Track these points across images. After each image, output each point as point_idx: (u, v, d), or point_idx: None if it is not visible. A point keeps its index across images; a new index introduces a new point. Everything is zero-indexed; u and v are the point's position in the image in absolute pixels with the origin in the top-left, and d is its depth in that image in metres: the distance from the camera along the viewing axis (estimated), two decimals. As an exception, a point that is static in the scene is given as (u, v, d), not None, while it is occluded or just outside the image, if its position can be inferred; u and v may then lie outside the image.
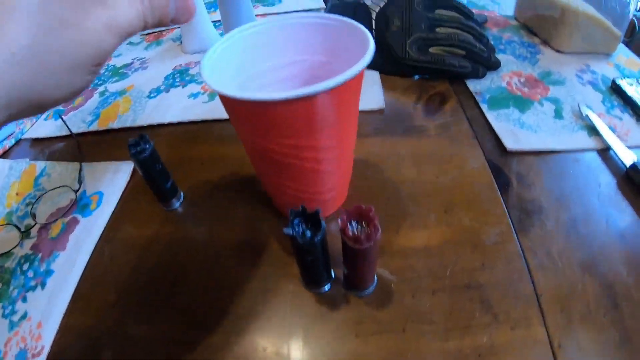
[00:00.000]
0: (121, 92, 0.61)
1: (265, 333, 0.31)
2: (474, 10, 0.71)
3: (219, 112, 0.52)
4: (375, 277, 0.33)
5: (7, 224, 0.43)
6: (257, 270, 0.35)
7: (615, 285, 0.32)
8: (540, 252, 0.35)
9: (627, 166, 0.41)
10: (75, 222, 0.42)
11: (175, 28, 0.80)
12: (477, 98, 0.51)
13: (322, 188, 0.33)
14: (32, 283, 0.37)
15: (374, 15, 0.58)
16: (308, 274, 0.32)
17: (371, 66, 0.55)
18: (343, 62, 0.32)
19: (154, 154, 0.37)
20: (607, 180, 0.41)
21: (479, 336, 0.29)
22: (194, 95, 0.56)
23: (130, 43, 0.77)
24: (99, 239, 0.40)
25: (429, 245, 0.35)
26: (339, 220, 0.26)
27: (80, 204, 0.44)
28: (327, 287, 0.33)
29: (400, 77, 0.56)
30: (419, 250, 0.35)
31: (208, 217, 0.40)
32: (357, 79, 0.27)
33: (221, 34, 0.70)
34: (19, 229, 0.42)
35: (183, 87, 0.59)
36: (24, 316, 0.35)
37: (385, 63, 0.54)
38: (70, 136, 0.55)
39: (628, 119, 0.48)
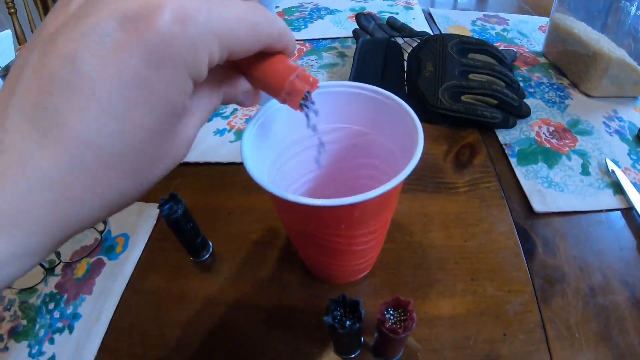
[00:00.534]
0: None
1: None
2: (503, 45, 0.75)
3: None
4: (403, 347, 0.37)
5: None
6: (287, 334, 0.39)
7: (626, 357, 0.36)
8: (560, 322, 0.39)
9: (648, 228, 0.45)
10: (101, 264, 0.46)
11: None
12: (506, 151, 0.55)
13: (357, 262, 0.38)
14: (59, 324, 0.41)
15: (405, 55, 0.62)
16: (340, 346, 0.36)
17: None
18: (383, 135, 0.36)
19: (186, 213, 0.40)
20: (628, 243, 0.45)
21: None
22: (220, 132, 0.60)
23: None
24: (126, 288, 0.43)
25: (455, 314, 0.39)
26: (378, 313, 0.30)
27: (106, 245, 0.47)
28: (356, 354, 0.37)
29: (429, 124, 0.59)
30: (444, 319, 0.39)
31: (237, 276, 0.44)
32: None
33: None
34: (43, 266, 0.45)
35: (208, 121, 0.62)
36: (52, 358, 0.38)
37: (415, 109, 0.57)
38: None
39: (652, 173, 0.52)
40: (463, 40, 0.60)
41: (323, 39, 0.81)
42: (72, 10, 0.17)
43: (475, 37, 0.73)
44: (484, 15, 0.89)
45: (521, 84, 0.62)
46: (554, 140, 0.56)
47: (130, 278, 0.44)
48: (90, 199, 0.17)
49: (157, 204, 0.39)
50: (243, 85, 0.24)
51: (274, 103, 0.35)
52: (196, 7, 0.17)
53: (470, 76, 0.57)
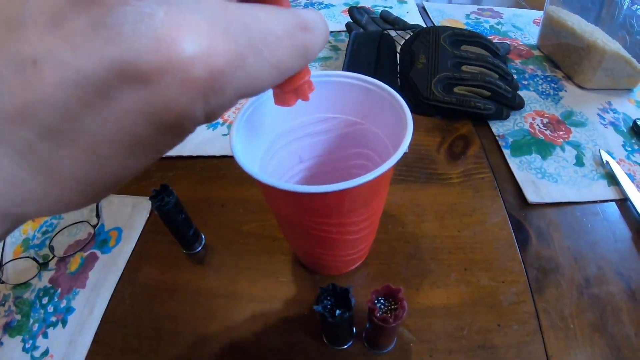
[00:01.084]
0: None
1: (288, 388, 0.35)
2: (497, 38, 0.75)
3: (239, 146, 0.55)
4: (396, 336, 0.37)
5: (26, 256, 0.46)
6: (279, 324, 0.39)
7: (622, 348, 0.36)
8: (554, 313, 0.38)
9: (643, 219, 0.44)
10: (94, 258, 0.45)
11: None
12: (500, 142, 0.55)
13: (349, 251, 0.37)
14: (53, 319, 0.40)
15: (398, 48, 0.61)
16: (332, 335, 0.36)
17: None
18: (375, 125, 0.36)
19: (178, 204, 0.40)
20: (623, 234, 0.45)
21: (492, 400, 0.34)
22: (213, 126, 0.59)
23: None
24: (119, 281, 0.43)
25: (448, 304, 0.39)
26: (369, 302, 0.30)
27: (99, 240, 0.47)
28: (348, 344, 0.37)
29: (422, 116, 0.59)
30: (438, 310, 0.39)
31: (229, 267, 0.43)
32: (391, 167, 0.31)
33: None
34: (37, 261, 0.45)
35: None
36: (45, 352, 0.38)
37: (408, 101, 0.57)
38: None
39: (647, 165, 0.51)
40: (456, 32, 0.60)
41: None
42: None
43: (468, 29, 0.73)
44: (478, 9, 0.88)
45: (515, 76, 0.61)
46: (547, 132, 0.56)
47: (123, 271, 0.44)
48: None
49: (149, 196, 0.39)
50: None
51: (264, 93, 0.34)
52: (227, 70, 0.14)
53: (463, 68, 0.57)
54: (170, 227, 0.42)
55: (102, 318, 0.40)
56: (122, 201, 0.51)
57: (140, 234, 0.47)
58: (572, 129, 0.57)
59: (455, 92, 0.56)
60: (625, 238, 0.44)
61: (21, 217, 0.14)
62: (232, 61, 0.13)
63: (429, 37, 0.58)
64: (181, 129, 0.14)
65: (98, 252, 0.46)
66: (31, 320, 0.41)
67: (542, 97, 0.62)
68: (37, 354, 0.38)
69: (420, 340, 0.37)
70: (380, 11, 0.75)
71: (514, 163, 0.52)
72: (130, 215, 0.49)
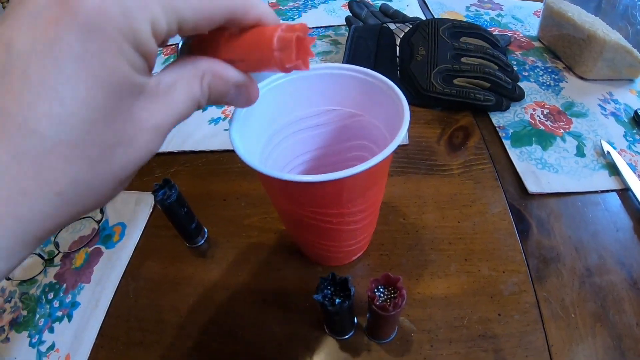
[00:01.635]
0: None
1: (289, 378, 0.35)
2: (497, 30, 0.74)
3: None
4: (397, 326, 0.37)
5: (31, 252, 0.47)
6: (281, 315, 0.39)
7: (624, 337, 0.36)
8: (555, 302, 0.38)
9: (645, 209, 0.44)
10: (99, 253, 0.46)
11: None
12: (500, 133, 0.54)
13: (350, 242, 0.37)
14: (59, 313, 0.41)
15: (397, 41, 0.61)
16: (333, 325, 0.36)
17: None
18: (374, 116, 0.36)
19: (180, 198, 0.40)
20: (624, 224, 0.44)
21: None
22: (215, 121, 0.59)
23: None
24: (123, 275, 0.43)
25: (449, 294, 0.39)
26: (368, 291, 0.30)
27: (103, 235, 0.48)
28: (350, 334, 0.37)
29: (422, 108, 0.59)
30: (438, 300, 0.39)
31: (231, 260, 0.44)
32: (389, 156, 0.31)
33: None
34: (42, 257, 0.45)
35: (203, 110, 0.62)
36: (51, 347, 0.39)
37: (408, 94, 0.57)
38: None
39: (649, 155, 0.51)
40: (455, 24, 0.59)
41: (317, 27, 0.80)
42: None
43: (468, 21, 0.72)
44: (479, 1, 0.88)
45: (515, 68, 0.61)
46: (548, 123, 0.56)
47: (127, 265, 0.44)
48: (42, 190, 0.15)
49: (152, 191, 0.39)
50: (232, 75, 0.21)
51: (263, 86, 0.34)
52: None
53: (463, 60, 0.57)
54: (173, 220, 0.42)
55: (106, 312, 0.40)
56: (125, 197, 0.51)
57: (144, 229, 0.48)
58: (573, 119, 0.56)
59: (455, 83, 0.56)
60: (627, 228, 0.44)
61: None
62: None
63: (428, 29, 0.58)
64: (104, 30, 0.15)
65: (102, 247, 0.46)
66: (37, 316, 0.41)
67: (543, 88, 0.62)
68: (43, 348, 0.39)
69: (421, 330, 0.37)
70: (379, 5, 0.75)
71: (514, 154, 0.51)
72: (133, 210, 0.50)
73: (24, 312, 0.42)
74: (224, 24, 0.20)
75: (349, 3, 0.73)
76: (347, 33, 0.66)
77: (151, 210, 0.49)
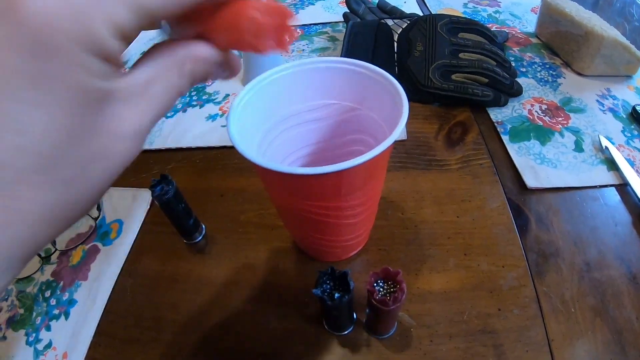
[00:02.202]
0: (137, 109, 0.64)
1: (288, 374, 0.35)
2: (495, 26, 0.74)
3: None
4: (396, 321, 0.37)
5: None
6: (279, 311, 0.39)
7: (624, 331, 0.36)
8: (555, 297, 0.38)
9: (643, 203, 0.44)
10: (95, 250, 0.45)
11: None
12: (498, 129, 0.54)
13: (348, 237, 0.37)
14: (56, 311, 0.40)
15: (395, 37, 0.61)
16: (332, 321, 0.36)
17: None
18: (372, 110, 0.35)
19: (177, 194, 0.40)
20: (623, 219, 0.44)
21: (493, 382, 0.33)
22: (212, 118, 0.59)
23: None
24: (120, 272, 0.43)
25: (448, 289, 0.39)
26: (368, 285, 0.29)
27: (100, 232, 0.47)
28: (349, 330, 0.37)
29: (420, 103, 0.59)
30: (437, 295, 0.38)
31: (229, 256, 0.43)
32: (388, 148, 0.30)
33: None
34: (39, 254, 0.45)
35: (200, 107, 0.62)
36: (48, 345, 0.38)
37: (406, 89, 0.57)
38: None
39: (647, 150, 0.51)
40: (453, 19, 0.59)
41: (314, 24, 0.80)
42: None
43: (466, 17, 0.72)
44: (476, -3, 0.88)
45: (513, 63, 0.61)
46: (546, 118, 0.55)
47: (124, 262, 0.44)
48: (15, 220, 0.14)
49: (149, 186, 0.39)
50: (211, 54, 0.20)
51: (260, 80, 0.34)
52: None
53: (461, 55, 0.56)
54: (170, 216, 0.42)
55: (104, 309, 0.40)
56: (122, 193, 0.51)
57: (141, 226, 0.47)
58: (571, 115, 0.56)
59: (453, 79, 0.56)
60: (626, 222, 0.44)
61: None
62: None
63: (426, 25, 0.58)
64: (55, 41, 0.13)
65: (99, 245, 0.46)
66: (34, 314, 0.41)
67: (541, 84, 0.61)
68: (40, 346, 0.38)
69: (420, 325, 0.37)
70: (377, 1, 0.75)
71: (512, 149, 0.51)
72: (130, 207, 0.49)
73: (21, 311, 0.41)
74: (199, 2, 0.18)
75: (346, -1, 0.73)
76: (344, 29, 0.66)
77: (148, 206, 0.49)
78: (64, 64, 0.14)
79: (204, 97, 0.64)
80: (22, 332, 0.40)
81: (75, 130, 0.15)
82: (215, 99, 0.63)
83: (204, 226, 0.46)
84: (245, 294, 0.40)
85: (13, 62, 0.13)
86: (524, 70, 0.64)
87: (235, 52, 0.22)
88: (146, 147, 0.57)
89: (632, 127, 0.55)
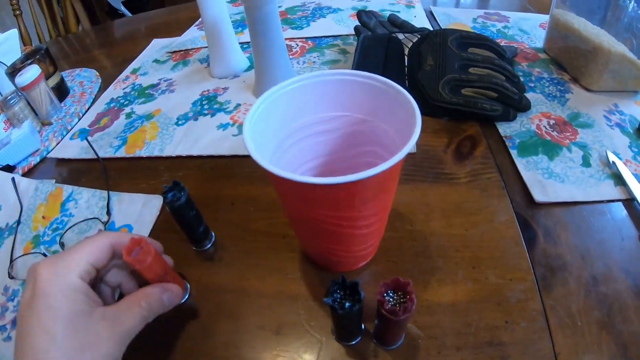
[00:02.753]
0: (148, 117, 0.65)
1: (296, 383, 0.35)
2: (504, 41, 0.75)
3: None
4: (404, 332, 0.37)
5: (36, 252, 0.47)
6: (287, 320, 0.39)
7: (630, 345, 0.36)
8: (562, 310, 0.39)
9: (650, 218, 0.45)
10: (104, 254, 0.46)
11: (202, 48, 0.84)
12: (507, 143, 0.55)
13: (359, 247, 0.38)
14: None
15: (406, 50, 0.62)
16: (341, 330, 0.36)
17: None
18: (385, 122, 0.36)
19: (189, 201, 0.41)
20: (630, 233, 0.45)
21: (499, 395, 0.34)
22: (223, 127, 0.60)
23: (156, 61, 0.81)
24: None
25: (456, 301, 0.39)
26: (378, 295, 0.30)
27: (110, 237, 0.48)
28: (357, 340, 0.37)
29: (430, 117, 0.60)
30: (445, 307, 0.39)
31: (239, 264, 0.44)
32: (401, 161, 0.31)
33: (249, 58, 0.74)
34: (46, 256, 0.46)
35: (212, 116, 0.63)
36: None
37: (417, 103, 0.57)
38: (97, 160, 0.59)
39: (654, 165, 0.51)
40: (463, 34, 0.60)
41: (325, 36, 0.82)
42: None
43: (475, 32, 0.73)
44: (485, 12, 0.89)
45: (521, 78, 0.62)
46: (554, 133, 0.56)
47: (133, 269, 0.44)
48: None
49: (161, 192, 0.40)
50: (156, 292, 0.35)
51: (274, 91, 0.35)
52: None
53: (470, 70, 0.57)
54: (181, 223, 0.42)
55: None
56: (132, 199, 0.52)
57: (151, 231, 0.48)
58: (579, 130, 0.57)
59: (463, 93, 0.57)
60: (632, 237, 0.44)
61: None
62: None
63: (437, 39, 0.59)
64: None
65: (109, 250, 0.46)
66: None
67: (549, 99, 0.62)
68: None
69: (428, 337, 0.37)
70: (388, 15, 0.76)
71: (520, 163, 0.52)
72: (140, 212, 0.50)
73: (27, 312, 0.42)
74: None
75: (357, 13, 0.75)
76: (355, 42, 0.67)
77: (158, 212, 0.50)
78: (61, 299, 0.29)
79: (215, 107, 0.65)
80: (27, 332, 0.40)
81: (73, 328, 0.29)
82: (226, 109, 0.64)
83: (213, 234, 0.46)
84: (253, 302, 0.41)
85: (36, 303, 0.29)
86: (532, 85, 0.65)
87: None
88: (157, 153, 0.58)
89: (639, 142, 0.55)
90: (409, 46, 0.63)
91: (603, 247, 0.43)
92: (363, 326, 0.37)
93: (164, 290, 0.35)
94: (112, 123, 0.66)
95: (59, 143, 0.64)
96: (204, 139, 0.58)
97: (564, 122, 0.58)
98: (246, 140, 0.30)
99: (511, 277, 0.41)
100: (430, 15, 0.89)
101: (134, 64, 0.85)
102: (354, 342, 0.37)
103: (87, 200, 0.53)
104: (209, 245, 0.46)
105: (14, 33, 0.79)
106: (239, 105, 0.64)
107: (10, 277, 0.45)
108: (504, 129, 0.57)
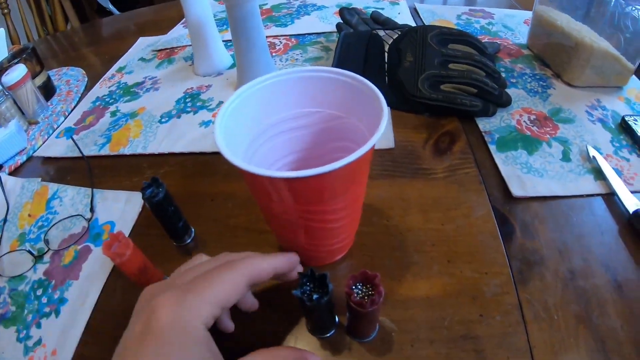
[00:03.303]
0: (132, 115, 0.65)
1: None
2: (487, 38, 0.75)
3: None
4: (377, 325, 0.37)
5: (22, 249, 0.47)
6: (264, 314, 0.39)
7: (607, 340, 0.36)
8: (538, 304, 0.38)
9: (630, 213, 0.44)
10: (87, 251, 0.46)
11: (187, 46, 0.84)
12: (486, 138, 0.55)
13: (332, 241, 0.37)
14: (47, 309, 0.41)
15: (386, 47, 0.62)
16: (313, 323, 0.36)
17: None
18: (357, 118, 0.36)
19: (167, 197, 0.41)
20: (610, 228, 0.44)
21: (472, 387, 0.33)
22: (205, 124, 0.60)
23: (142, 59, 0.81)
24: (111, 272, 0.43)
25: (430, 295, 0.39)
26: (346, 287, 0.30)
27: (93, 233, 0.48)
28: (331, 333, 0.37)
29: (410, 113, 0.59)
30: (420, 301, 0.39)
31: (217, 260, 0.44)
32: (368, 153, 0.31)
33: (232, 56, 0.73)
34: (32, 254, 0.46)
35: (194, 113, 0.62)
36: (38, 342, 0.39)
37: (396, 99, 0.58)
38: (81, 158, 0.59)
39: (635, 160, 0.51)
40: (443, 31, 0.60)
41: (309, 34, 0.81)
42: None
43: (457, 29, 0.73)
44: (470, 9, 0.89)
45: (502, 74, 0.61)
46: (534, 128, 0.56)
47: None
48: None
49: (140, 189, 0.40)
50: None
51: (247, 88, 0.35)
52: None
53: (450, 66, 0.57)
54: (160, 218, 0.42)
55: (94, 308, 0.40)
56: (115, 196, 0.52)
57: (133, 228, 0.48)
58: (560, 125, 0.56)
59: (442, 89, 0.57)
60: (612, 231, 0.44)
61: None
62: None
63: (417, 36, 0.58)
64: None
65: (92, 245, 0.47)
66: (25, 311, 0.41)
67: (531, 94, 0.62)
68: (30, 343, 0.39)
69: (401, 331, 0.37)
70: (371, 12, 0.76)
71: (499, 158, 0.52)
72: (123, 209, 0.50)
73: (13, 308, 0.42)
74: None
75: (340, 10, 0.74)
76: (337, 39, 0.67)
77: (140, 209, 0.50)
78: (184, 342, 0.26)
79: (198, 104, 0.65)
80: (13, 329, 0.40)
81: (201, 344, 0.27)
82: (209, 106, 0.64)
83: (193, 229, 0.46)
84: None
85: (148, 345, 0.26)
86: (514, 81, 0.65)
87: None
88: (140, 151, 0.58)
89: (621, 137, 0.55)
90: (390, 43, 0.62)
91: (582, 242, 0.43)
92: (337, 319, 0.37)
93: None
94: (97, 121, 0.65)
95: (45, 142, 0.64)
96: (187, 137, 0.58)
97: (544, 118, 0.58)
98: (217, 137, 0.30)
99: (487, 271, 0.40)
100: (414, 12, 0.89)
101: (120, 63, 0.85)
102: (328, 335, 0.37)
103: (71, 198, 0.53)
104: (189, 241, 0.46)
105: (1, 32, 0.78)
106: (221, 102, 0.64)
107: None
108: (483, 124, 0.57)
